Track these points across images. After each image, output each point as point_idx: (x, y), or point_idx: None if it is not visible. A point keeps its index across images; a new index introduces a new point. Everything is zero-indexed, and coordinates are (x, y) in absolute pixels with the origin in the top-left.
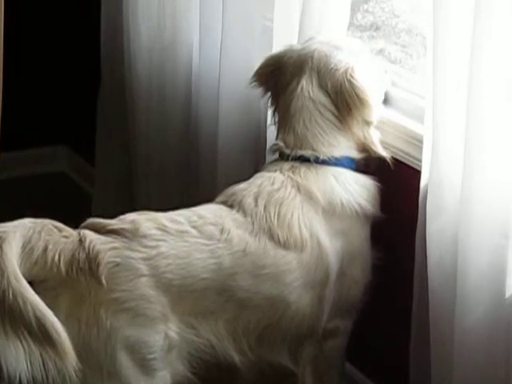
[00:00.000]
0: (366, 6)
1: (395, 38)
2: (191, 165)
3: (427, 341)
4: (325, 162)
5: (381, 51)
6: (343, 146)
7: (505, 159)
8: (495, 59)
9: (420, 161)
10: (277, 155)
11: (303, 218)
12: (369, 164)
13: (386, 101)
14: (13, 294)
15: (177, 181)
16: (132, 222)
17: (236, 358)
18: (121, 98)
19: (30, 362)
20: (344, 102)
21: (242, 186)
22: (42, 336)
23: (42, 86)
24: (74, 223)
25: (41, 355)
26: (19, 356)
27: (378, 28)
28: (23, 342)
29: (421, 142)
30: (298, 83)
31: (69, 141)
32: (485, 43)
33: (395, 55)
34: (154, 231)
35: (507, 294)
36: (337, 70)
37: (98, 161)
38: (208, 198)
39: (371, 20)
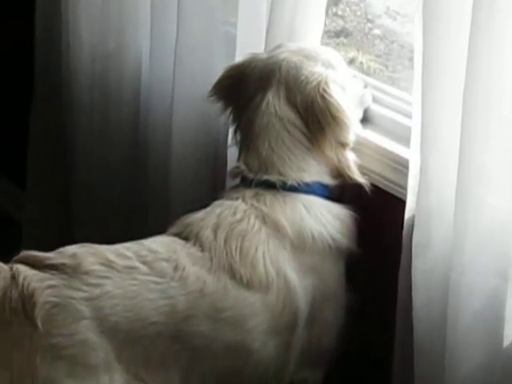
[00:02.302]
0: (335, 9)
1: (368, 45)
2: (139, 190)
3: None
4: (293, 189)
5: (352, 61)
6: (315, 171)
7: (505, 187)
8: (495, 72)
9: (404, 189)
10: (238, 180)
11: (269, 253)
12: (344, 192)
13: (365, 119)
14: None
15: (122, 208)
16: (73, 256)
17: None
18: (57, 113)
19: None
20: (316, 120)
21: (199, 215)
22: None
23: None
24: (2, 256)
25: None
26: None
27: (348, 34)
28: None
29: (406, 167)
30: (263, 97)
31: None
32: (483, 53)
33: (368, 65)
34: (97, 267)
35: (505, 344)
36: (308, 83)
37: (29, 184)
38: (159, 229)
39: (341, 25)
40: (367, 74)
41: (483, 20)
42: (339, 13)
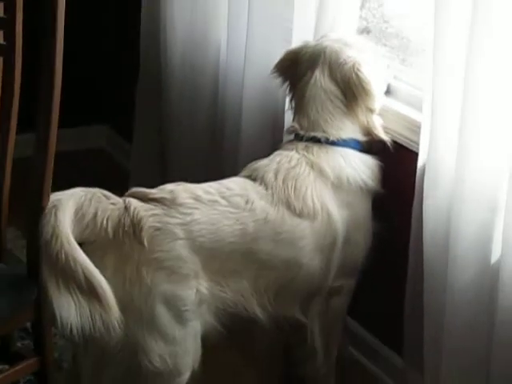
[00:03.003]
0: (360, 13)
1: (385, 40)
2: (217, 144)
3: (421, 301)
4: (334, 143)
5: None
6: (349, 130)
7: (495, 145)
8: (491, 59)
9: (418, 144)
10: (292, 136)
11: (315, 191)
12: (372, 146)
13: (388, 92)
14: (65, 256)
15: (204, 157)
16: (171, 191)
17: (258, 311)
18: (157, 85)
19: (80, 314)
20: (351, 91)
21: (264, 162)
22: (89, 292)
23: (88, 75)
24: (114, 193)
25: (89, 309)
26: (70, 309)
27: (370, 32)
28: (74, 297)
29: (419, 127)
30: (311, 75)
31: (109, 121)
32: (483, 44)
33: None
34: (189, 200)
35: (492, 261)
36: (346, 64)
37: (135, 139)
38: (231, 172)
39: (364, 25)
40: None
41: (481, 17)
42: (363, 15)
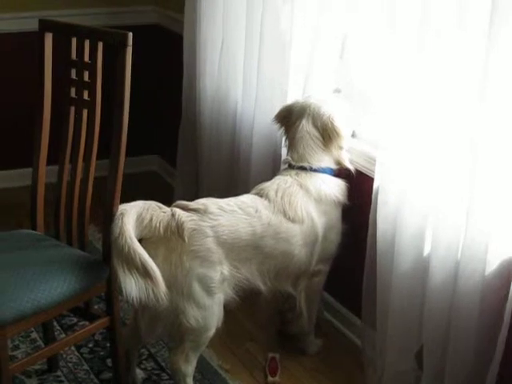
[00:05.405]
0: (334, 78)
1: (351, 98)
2: (235, 171)
3: (374, 280)
4: (315, 170)
5: None
6: (326, 161)
7: (426, 174)
8: (420, 116)
9: (373, 172)
10: (287, 165)
11: (303, 204)
12: (341, 172)
13: (353, 135)
14: (128, 248)
15: (225, 180)
16: (203, 204)
17: (261, 286)
18: (193, 128)
19: (138, 289)
20: (327, 134)
21: (267, 184)
22: (145, 274)
23: (147, 119)
24: (164, 204)
25: (144, 284)
26: (132, 285)
27: (340, 91)
28: (134, 276)
29: (374, 161)
30: (300, 123)
31: (160, 152)
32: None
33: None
34: (216, 210)
35: (424, 254)
36: (324, 115)
37: (178, 165)
38: (244, 190)
39: (336, 87)
40: None
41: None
42: (336, 80)
